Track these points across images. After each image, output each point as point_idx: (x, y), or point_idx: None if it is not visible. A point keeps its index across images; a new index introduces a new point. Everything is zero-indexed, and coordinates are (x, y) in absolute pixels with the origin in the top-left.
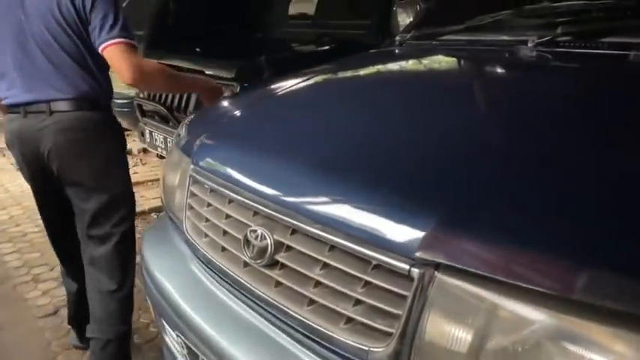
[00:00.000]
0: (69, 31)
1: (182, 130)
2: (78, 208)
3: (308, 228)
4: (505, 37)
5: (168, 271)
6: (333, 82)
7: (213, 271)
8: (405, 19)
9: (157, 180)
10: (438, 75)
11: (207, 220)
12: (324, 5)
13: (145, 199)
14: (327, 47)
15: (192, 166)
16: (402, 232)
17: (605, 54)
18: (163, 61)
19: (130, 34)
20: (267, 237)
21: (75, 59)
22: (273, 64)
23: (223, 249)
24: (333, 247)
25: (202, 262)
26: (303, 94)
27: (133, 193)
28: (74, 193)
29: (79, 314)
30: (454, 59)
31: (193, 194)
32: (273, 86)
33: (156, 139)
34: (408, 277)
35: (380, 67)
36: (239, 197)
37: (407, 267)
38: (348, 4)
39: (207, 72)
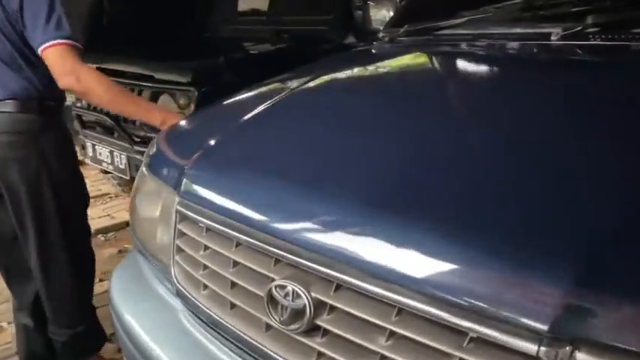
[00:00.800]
0: None
1: (154, 150)
2: (14, 219)
3: (362, 284)
4: (519, 30)
5: (155, 332)
6: (344, 88)
7: (219, 333)
8: (377, 13)
9: (101, 196)
10: (466, 76)
11: (206, 267)
12: (278, 0)
13: (89, 218)
14: (286, 45)
15: (178, 199)
16: (518, 296)
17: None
18: (103, 66)
19: (67, 32)
20: (303, 295)
21: (3, 59)
22: (233, 65)
23: (233, 306)
24: (402, 311)
25: (202, 320)
26: (314, 104)
27: (77, 208)
28: (10, 205)
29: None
30: (472, 58)
31: (182, 233)
32: (266, 92)
33: (100, 154)
34: (532, 357)
35: (389, 69)
36: (252, 240)
37: (533, 346)
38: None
39: (157, 76)
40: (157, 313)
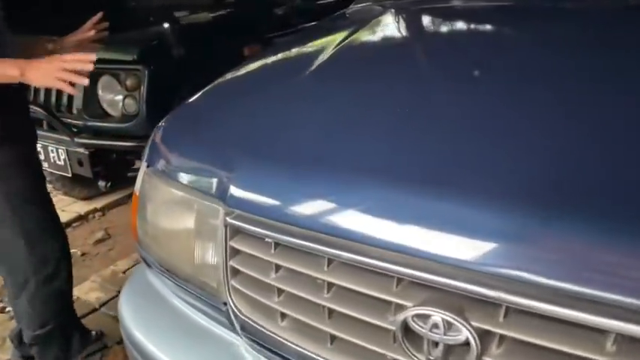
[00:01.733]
0: None
1: (165, 149)
2: None
3: (550, 307)
4: None
5: None
6: (399, 55)
7: None
8: None
9: None
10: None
11: (281, 291)
12: None
13: None
14: (231, 11)
15: (224, 209)
16: None
17: None
18: None
19: None
20: (461, 326)
21: None
22: (181, 38)
23: (334, 339)
24: (623, 337)
25: (282, 356)
26: (375, 73)
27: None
28: None
29: None
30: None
31: (236, 251)
32: (285, 64)
33: None
34: None
35: (434, 30)
36: (357, 257)
37: None
38: None
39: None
40: (206, 350)
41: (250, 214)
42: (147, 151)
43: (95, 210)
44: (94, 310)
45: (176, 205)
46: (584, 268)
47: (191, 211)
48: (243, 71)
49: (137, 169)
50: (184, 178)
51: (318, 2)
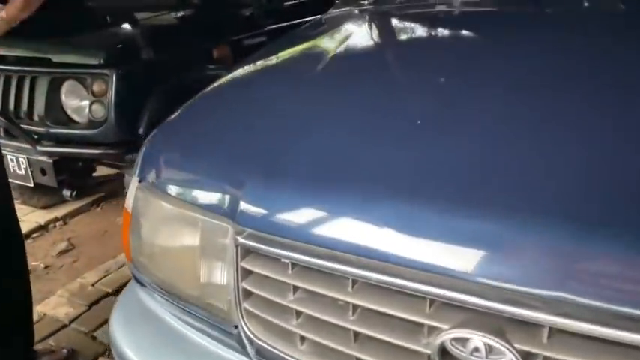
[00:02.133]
0: None
1: (161, 163)
2: None
3: (597, 328)
4: None
5: None
6: (412, 58)
7: None
8: None
9: None
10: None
11: (299, 313)
12: None
13: None
14: (198, 12)
15: (234, 228)
16: None
17: None
18: None
19: None
20: (505, 349)
21: None
22: (151, 39)
23: None
24: None
25: None
26: (391, 77)
27: None
28: None
29: None
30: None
31: (248, 272)
32: (291, 68)
33: None
34: None
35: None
36: (388, 278)
37: None
38: None
39: (55, 59)
40: None
41: (264, 232)
42: (138, 165)
43: (56, 219)
44: (64, 326)
45: (176, 222)
46: (630, 288)
47: (194, 229)
48: (231, 81)
49: (99, 177)
50: (185, 193)
51: (286, 3)
